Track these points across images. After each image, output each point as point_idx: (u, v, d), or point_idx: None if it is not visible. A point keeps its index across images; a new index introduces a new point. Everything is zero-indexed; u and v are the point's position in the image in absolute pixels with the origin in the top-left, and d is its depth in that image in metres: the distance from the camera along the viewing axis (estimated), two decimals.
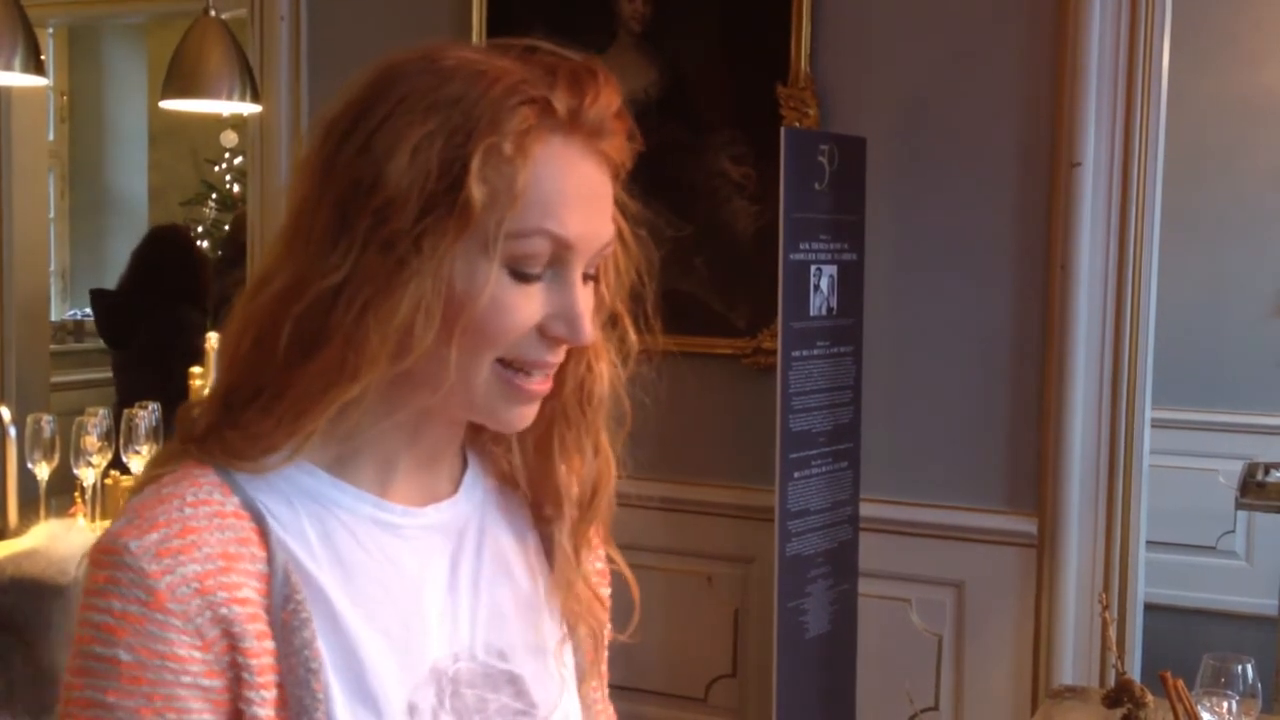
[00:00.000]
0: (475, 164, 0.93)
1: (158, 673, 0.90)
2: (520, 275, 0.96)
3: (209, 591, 0.91)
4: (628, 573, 1.18)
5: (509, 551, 1.10)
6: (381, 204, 0.94)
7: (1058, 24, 3.10)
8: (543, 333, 0.98)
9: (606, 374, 1.08)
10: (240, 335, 0.99)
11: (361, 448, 1.01)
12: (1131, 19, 3.05)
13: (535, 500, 1.13)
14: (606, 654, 1.19)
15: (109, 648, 0.90)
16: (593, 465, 1.10)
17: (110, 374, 5.37)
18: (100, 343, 5.52)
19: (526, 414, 1.02)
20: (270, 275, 0.98)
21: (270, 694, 0.92)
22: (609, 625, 1.18)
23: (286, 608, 0.94)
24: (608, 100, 0.99)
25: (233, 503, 0.96)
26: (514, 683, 1.06)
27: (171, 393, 3.97)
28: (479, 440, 1.12)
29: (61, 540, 2.28)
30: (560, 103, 0.97)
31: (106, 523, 3.19)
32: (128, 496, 0.99)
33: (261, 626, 0.93)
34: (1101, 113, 3.06)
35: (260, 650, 0.93)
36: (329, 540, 0.98)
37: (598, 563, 1.18)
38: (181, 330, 5.00)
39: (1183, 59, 3.57)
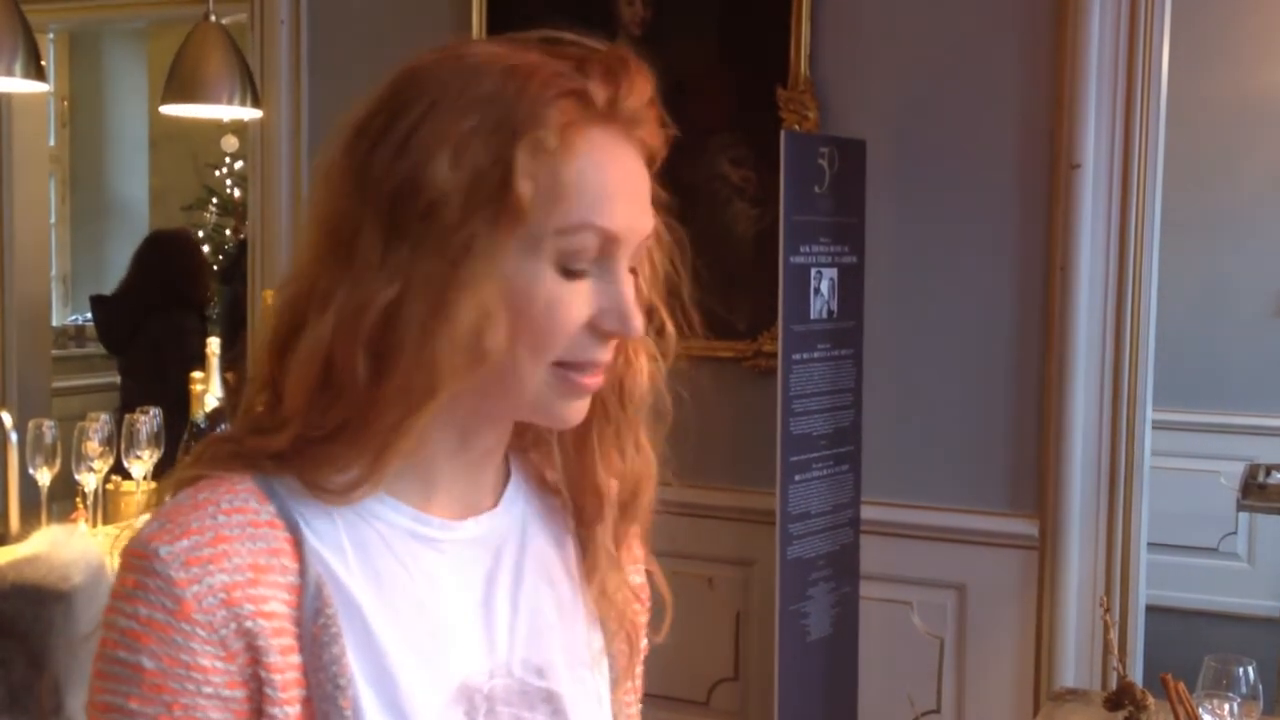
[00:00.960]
0: (520, 160, 0.92)
1: (180, 682, 0.89)
2: (569, 272, 0.95)
3: (235, 603, 0.90)
4: (661, 579, 1.18)
5: (550, 564, 1.07)
6: (426, 207, 0.92)
7: (1057, 27, 3.11)
8: (594, 329, 0.97)
9: (646, 369, 1.06)
10: (308, 363, 0.94)
11: (409, 459, 0.99)
12: (1130, 21, 3.06)
13: (576, 504, 1.10)
14: (641, 663, 1.17)
15: (133, 654, 0.89)
16: (634, 463, 1.08)
17: (111, 379, 5.38)
18: (102, 347, 5.53)
19: (581, 408, 1.00)
20: (325, 293, 0.94)
21: (294, 709, 0.91)
22: (645, 635, 1.17)
23: (317, 622, 0.93)
24: (642, 88, 0.99)
25: (268, 511, 0.94)
26: (550, 700, 1.04)
27: (169, 398, 3.97)
28: (520, 448, 1.10)
29: (63, 546, 2.28)
30: (598, 93, 0.96)
31: (108, 528, 3.21)
32: (164, 492, 0.98)
33: (288, 641, 0.92)
34: (1101, 115, 3.07)
35: (285, 665, 0.91)
36: (365, 552, 0.97)
37: (636, 576, 1.17)
38: (178, 335, 5.01)
39: (1182, 61, 3.57)
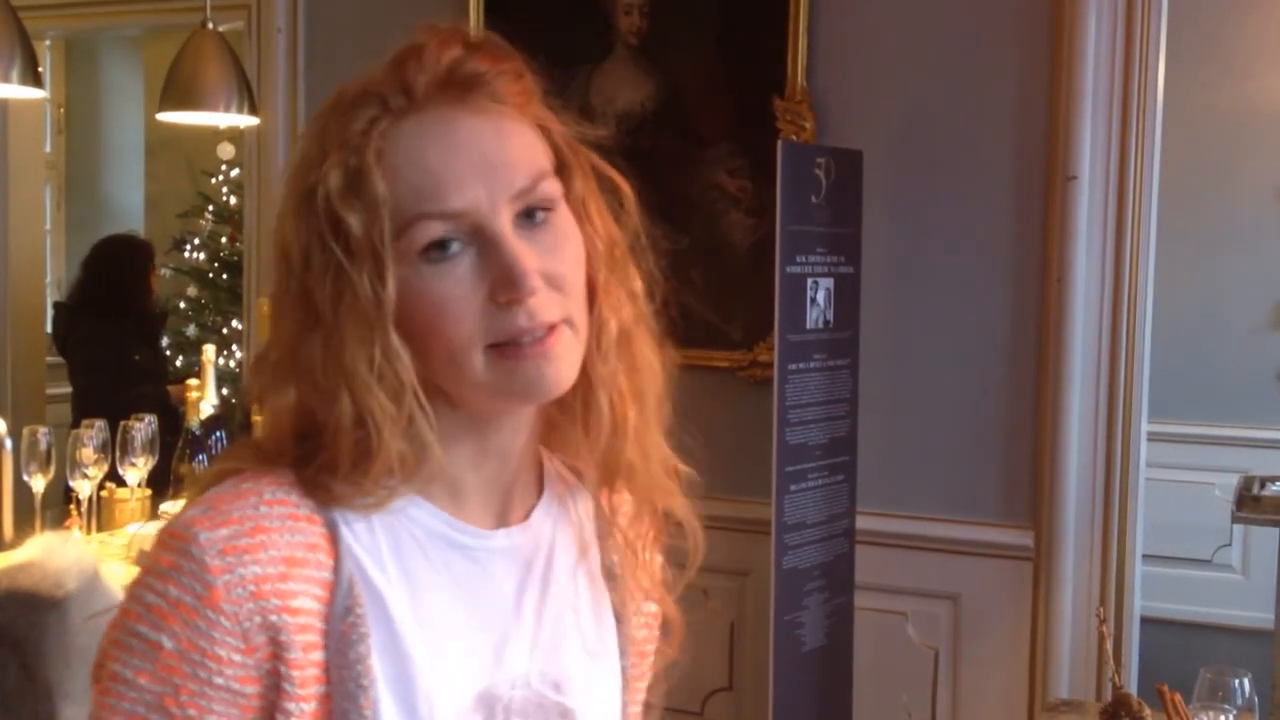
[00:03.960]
0: (333, 189, 0.93)
1: (193, 667, 0.90)
2: (434, 261, 0.94)
3: (263, 596, 0.91)
4: (694, 521, 1.14)
5: (575, 581, 1.08)
6: (297, 264, 0.96)
7: (1053, 38, 3.11)
8: (495, 301, 0.94)
9: (614, 320, 1.03)
10: (282, 410, 0.99)
11: (433, 474, 0.99)
12: (1127, 33, 3.06)
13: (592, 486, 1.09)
14: (644, 689, 1.18)
15: (155, 631, 0.90)
16: (609, 416, 1.04)
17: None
18: None
19: (550, 374, 0.96)
20: (278, 340, 1.00)
21: (310, 706, 0.92)
22: (653, 661, 1.17)
23: (346, 620, 0.93)
24: (436, 56, 0.96)
25: (307, 506, 0.95)
26: (566, 716, 1.05)
27: (78, 405, 3.96)
28: (554, 460, 1.11)
29: (57, 553, 2.27)
30: (391, 90, 0.95)
31: (102, 535, 3.20)
32: (205, 482, 0.98)
33: (312, 637, 0.93)
34: (1097, 126, 3.07)
35: (306, 662, 0.92)
36: (400, 554, 0.97)
37: (650, 605, 1.16)
38: (88, 342, 5.05)
39: (1178, 73, 3.58)
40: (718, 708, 3.50)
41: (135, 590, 0.93)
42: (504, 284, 0.94)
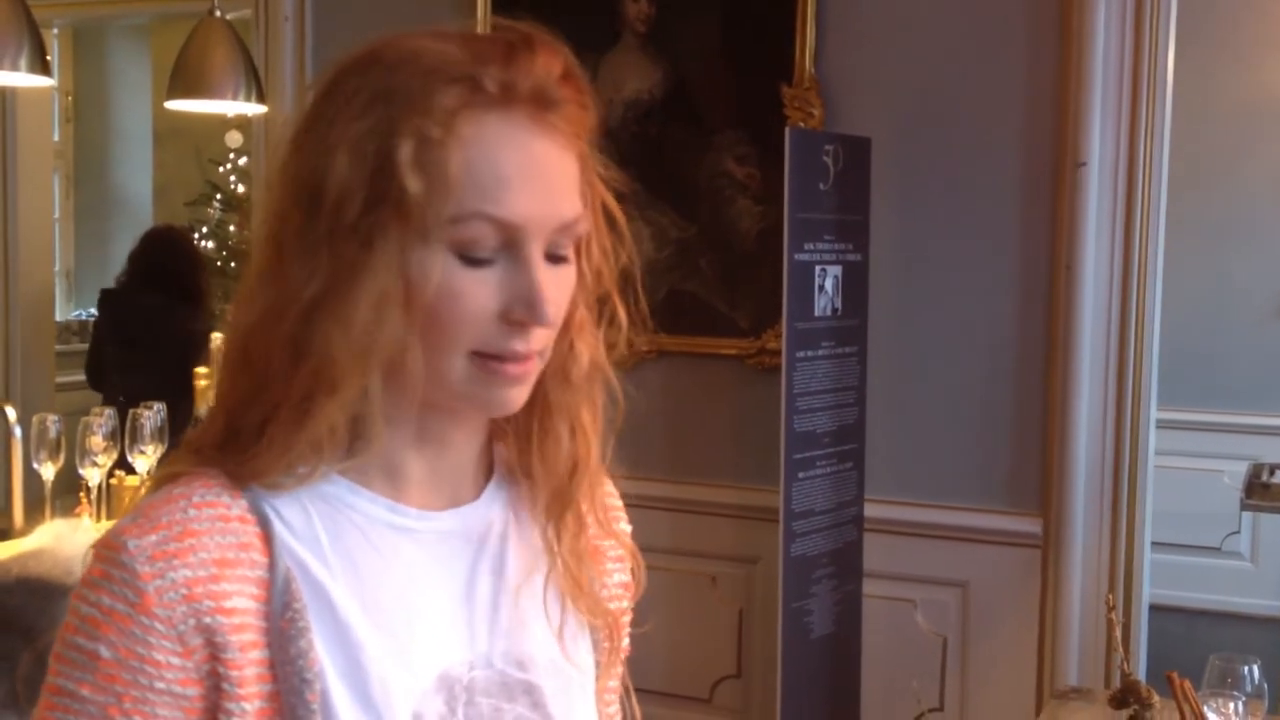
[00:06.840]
0: (404, 152, 0.92)
1: (133, 674, 0.90)
2: (469, 260, 0.94)
3: (196, 599, 0.91)
4: (641, 567, 1.16)
5: (533, 557, 1.07)
6: (333, 206, 0.93)
7: (1063, 25, 3.10)
8: (505, 319, 0.95)
9: (586, 354, 1.04)
10: (233, 356, 0.99)
11: (370, 454, 0.99)
12: (1136, 20, 3.05)
13: (538, 494, 1.09)
14: (622, 662, 1.16)
15: (91, 641, 0.90)
16: (568, 448, 1.06)
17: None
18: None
19: (514, 396, 0.98)
20: (254, 293, 0.98)
21: (253, 705, 0.92)
22: (627, 633, 1.16)
23: (285, 615, 0.93)
24: (545, 67, 0.96)
25: (239, 506, 0.95)
26: (531, 693, 1.04)
27: (173, 394, 3.95)
28: (497, 439, 1.10)
29: (67, 540, 2.28)
30: (490, 78, 0.94)
31: (112, 523, 3.20)
32: (142, 494, 0.99)
33: (251, 636, 0.92)
34: (1107, 113, 3.06)
35: (245, 661, 0.92)
36: (342, 543, 0.97)
37: (620, 575, 1.16)
38: (180, 333, 4.99)
39: (1187, 61, 3.56)
40: (726, 695, 3.51)
41: (72, 603, 0.93)
42: (523, 306, 0.95)
